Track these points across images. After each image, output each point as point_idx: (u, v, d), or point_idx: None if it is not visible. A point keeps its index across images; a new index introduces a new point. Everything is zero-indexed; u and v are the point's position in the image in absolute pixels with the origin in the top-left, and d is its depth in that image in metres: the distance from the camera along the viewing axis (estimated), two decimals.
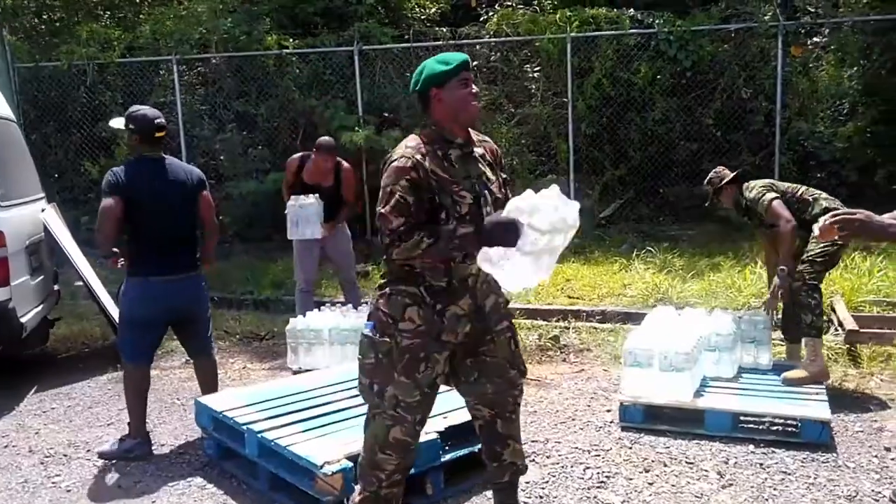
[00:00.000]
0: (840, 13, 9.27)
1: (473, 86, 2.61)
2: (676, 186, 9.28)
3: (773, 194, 4.51)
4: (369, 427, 2.70)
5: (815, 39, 9.77)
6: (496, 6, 10.13)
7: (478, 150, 2.69)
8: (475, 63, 9.93)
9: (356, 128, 8.84)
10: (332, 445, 3.18)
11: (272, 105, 9.82)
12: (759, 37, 8.99)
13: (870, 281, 6.24)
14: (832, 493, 3.31)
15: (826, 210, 4.23)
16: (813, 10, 9.66)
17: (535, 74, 9.72)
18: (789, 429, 3.95)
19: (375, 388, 2.61)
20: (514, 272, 2.38)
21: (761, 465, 3.61)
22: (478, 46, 9.88)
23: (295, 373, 4.95)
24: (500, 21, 9.52)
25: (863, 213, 2.66)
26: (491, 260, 2.40)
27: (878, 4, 9.20)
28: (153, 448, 3.97)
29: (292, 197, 5.60)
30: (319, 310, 5.19)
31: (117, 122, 4.06)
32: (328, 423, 3.45)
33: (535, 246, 2.32)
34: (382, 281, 2.65)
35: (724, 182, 4.76)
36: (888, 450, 3.75)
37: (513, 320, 2.86)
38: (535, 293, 6.73)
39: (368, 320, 2.65)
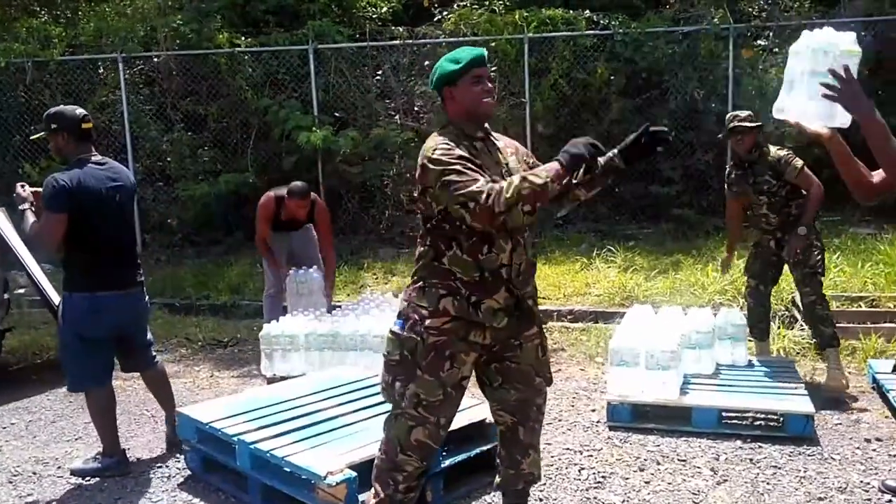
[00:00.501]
0: (786, 16, 9.53)
1: (488, 82, 2.57)
2: (632, 185, 9.39)
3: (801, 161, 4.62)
4: (391, 427, 2.67)
5: (759, 42, 10.01)
6: (454, 5, 10.07)
7: (500, 143, 2.70)
8: (428, 63, 9.87)
9: (313, 128, 8.67)
10: (331, 455, 3.08)
11: (223, 105, 9.57)
12: (710, 39, 9.18)
13: (827, 277, 6.39)
14: (824, 486, 3.37)
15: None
16: (757, 15, 9.91)
17: (492, 74, 9.70)
18: (771, 423, 4.02)
19: (398, 385, 2.59)
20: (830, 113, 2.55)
21: (751, 460, 3.66)
22: (429, 46, 9.81)
23: (269, 380, 4.81)
24: (458, 21, 9.48)
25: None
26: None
27: (821, 8, 9.50)
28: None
29: (291, 272, 5.50)
30: (293, 315, 5.04)
31: (39, 134, 3.77)
32: (322, 433, 3.34)
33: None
34: (415, 277, 2.62)
35: (756, 125, 4.64)
36: (869, 441, 3.84)
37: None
38: None
39: (398, 318, 2.62)
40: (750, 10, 10.04)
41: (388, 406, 3.68)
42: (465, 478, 3.41)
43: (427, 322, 2.55)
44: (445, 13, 10.28)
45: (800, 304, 5.82)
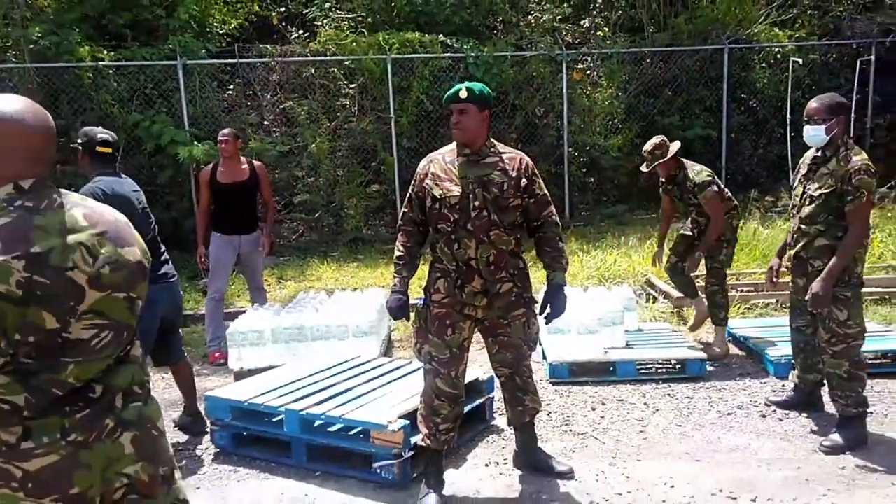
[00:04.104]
0: (607, 44, 11.13)
1: (457, 115, 3.31)
2: None
3: (715, 189, 5.08)
4: (425, 381, 3.42)
5: (579, 66, 11.56)
6: (322, 23, 10.62)
7: (490, 159, 3.38)
8: (292, 81, 10.35)
9: (195, 142, 8.86)
10: (378, 411, 3.70)
11: (87, 119, 9.39)
12: (546, 63, 10.53)
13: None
14: (727, 405, 4.51)
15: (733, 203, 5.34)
16: (582, 42, 11.46)
17: (352, 91, 10.39)
18: (670, 370, 5.12)
19: (418, 346, 3.41)
20: None
21: (669, 395, 4.73)
22: (298, 63, 10.31)
23: (236, 374, 5.19)
24: (326, 41, 10.07)
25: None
26: None
27: (636, 38, 11.20)
28: None
29: None
30: (254, 310, 5.47)
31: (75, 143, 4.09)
32: (355, 398, 3.93)
33: None
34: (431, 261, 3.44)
35: (668, 156, 5.09)
36: (742, 376, 5.07)
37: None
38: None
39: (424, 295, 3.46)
40: (570, 39, 11.58)
41: (388, 377, 4.38)
42: (467, 426, 4.14)
43: (432, 297, 3.38)
44: (301, 32, 10.82)
45: (652, 282, 7.16)
